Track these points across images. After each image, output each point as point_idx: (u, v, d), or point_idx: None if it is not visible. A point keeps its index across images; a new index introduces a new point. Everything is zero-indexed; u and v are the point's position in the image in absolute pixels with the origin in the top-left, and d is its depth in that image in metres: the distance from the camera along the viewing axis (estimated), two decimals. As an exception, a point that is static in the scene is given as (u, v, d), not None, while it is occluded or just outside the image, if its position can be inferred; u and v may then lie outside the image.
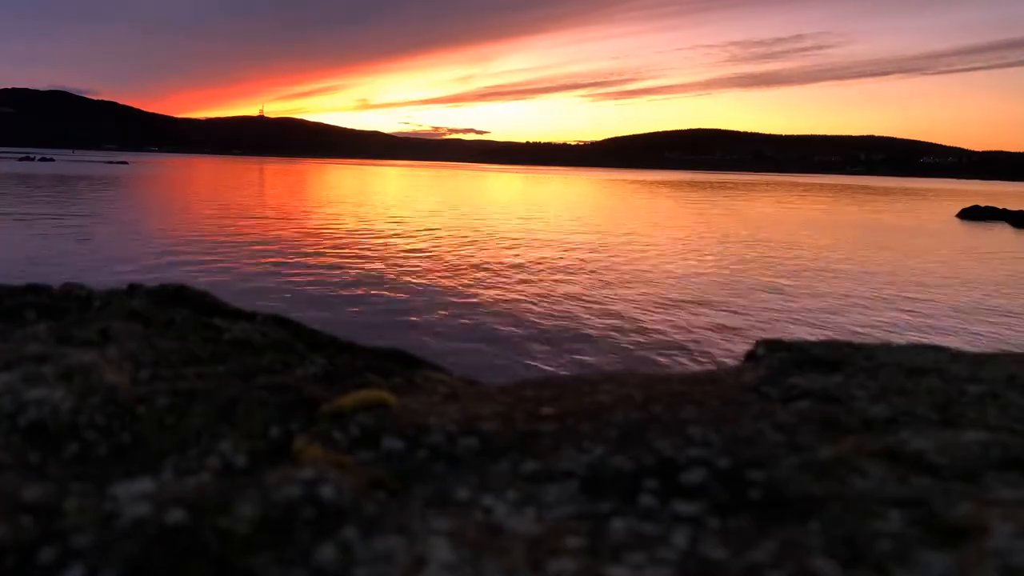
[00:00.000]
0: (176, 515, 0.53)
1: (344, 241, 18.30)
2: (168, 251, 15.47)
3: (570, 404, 0.89)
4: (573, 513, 0.62)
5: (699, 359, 8.42)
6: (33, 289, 1.39)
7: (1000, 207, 33.34)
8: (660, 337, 9.33)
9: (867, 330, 10.05)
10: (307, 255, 15.54)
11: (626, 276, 14.08)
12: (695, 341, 9.20)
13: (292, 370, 1.09)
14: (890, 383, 0.97)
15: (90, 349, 1.05)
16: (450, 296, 11.59)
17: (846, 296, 12.63)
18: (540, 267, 14.90)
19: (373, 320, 9.86)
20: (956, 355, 1.14)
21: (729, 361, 7.50)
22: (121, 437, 0.83)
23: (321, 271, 13.58)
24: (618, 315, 10.50)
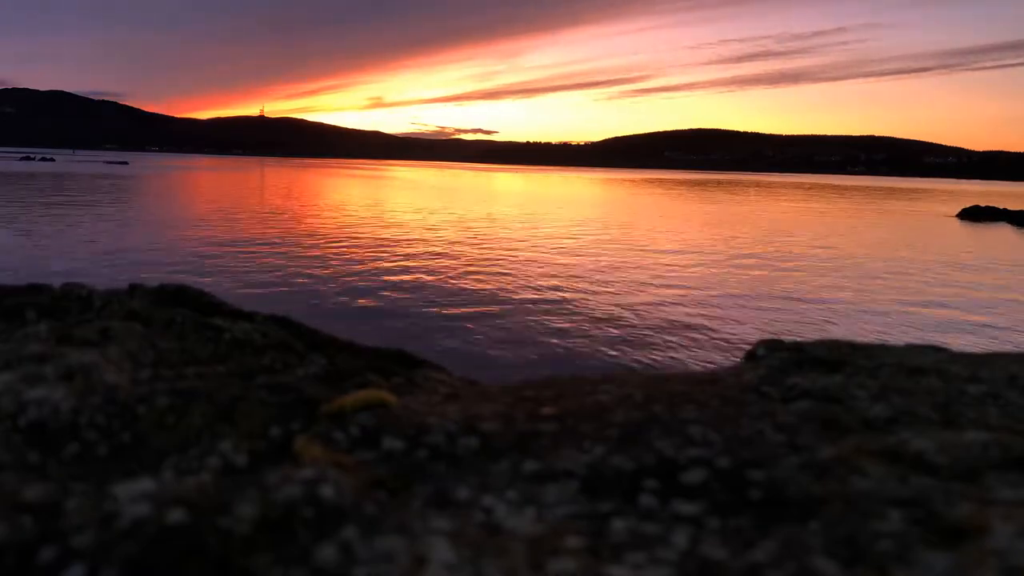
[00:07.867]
0: (176, 515, 0.53)
1: (344, 241, 18.31)
2: (168, 251, 15.48)
3: (570, 404, 0.89)
4: (573, 513, 0.62)
5: (699, 359, 8.42)
6: (34, 289, 1.39)
7: (1000, 207, 33.37)
8: (660, 337, 9.32)
9: (867, 330, 10.05)
10: (307, 256, 15.54)
11: (626, 275, 14.09)
12: (695, 341, 9.20)
13: (292, 370, 1.09)
14: (890, 383, 0.97)
15: (90, 349, 1.05)
16: (451, 296, 11.59)
17: (846, 296, 12.63)
18: (539, 267, 14.90)
19: (374, 320, 9.86)
20: (956, 355, 1.14)
21: (729, 361, 7.49)
22: (121, 437, 0.83)
23: (321, 271, 13.58)
24: (619, 315, 10.50)
